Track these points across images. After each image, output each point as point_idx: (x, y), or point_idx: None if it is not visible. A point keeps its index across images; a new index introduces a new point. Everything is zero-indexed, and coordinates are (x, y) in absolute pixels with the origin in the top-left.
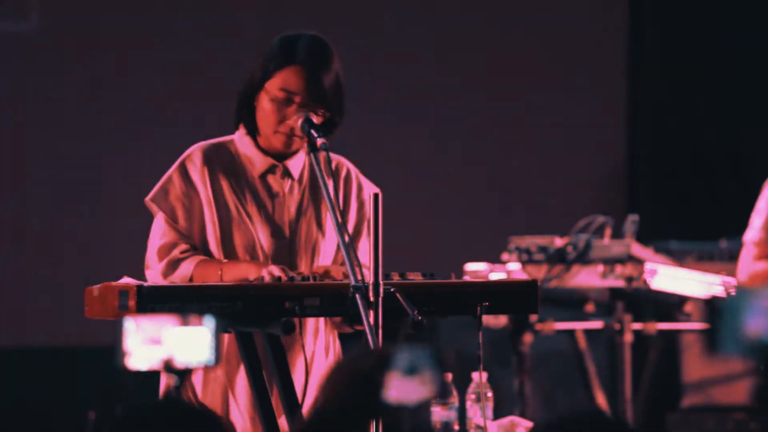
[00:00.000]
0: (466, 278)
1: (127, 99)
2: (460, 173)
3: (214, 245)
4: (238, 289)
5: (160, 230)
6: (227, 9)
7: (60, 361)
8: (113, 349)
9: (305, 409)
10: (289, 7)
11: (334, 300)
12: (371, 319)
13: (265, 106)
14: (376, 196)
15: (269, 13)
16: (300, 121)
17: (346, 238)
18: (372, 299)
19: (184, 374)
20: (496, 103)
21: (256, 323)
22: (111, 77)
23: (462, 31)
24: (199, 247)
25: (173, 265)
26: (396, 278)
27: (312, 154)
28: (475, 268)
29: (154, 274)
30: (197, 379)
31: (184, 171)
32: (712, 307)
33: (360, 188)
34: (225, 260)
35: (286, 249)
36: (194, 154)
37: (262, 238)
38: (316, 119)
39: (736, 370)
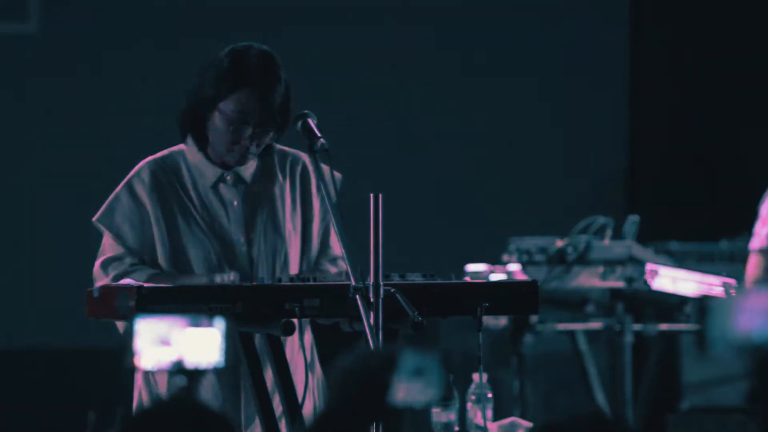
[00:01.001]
0: (467, 279)
1: (127, 101)
2: (460, 173)
3: (164, 263)
4: (238, 289)
5: (106, 248)
6: (229, 10)
7: (60, 361)
8: (113, 349)
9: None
10: (290, 12)
11: (333, 301)
12: (371, 320)
13: (218, 125)
14: (376, 196)
15: (271, 15)
16: (299, 123)
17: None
18: (372, 300)
19: (194, 376)
20: (496, 102)
21: (256, 324)
22: (112, 79)
23: (463, 31)
24: (149, 266)
25: (121, 278)
26: (396, 279)
27: (312, 156)
28: (475, 269)
29: None
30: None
31: (131, 190)
32: (702, 307)
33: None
34: (178, 273)
35: (244, 257)
36: (142, 171)
37: (219, 248)
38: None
39: (737, 370)
